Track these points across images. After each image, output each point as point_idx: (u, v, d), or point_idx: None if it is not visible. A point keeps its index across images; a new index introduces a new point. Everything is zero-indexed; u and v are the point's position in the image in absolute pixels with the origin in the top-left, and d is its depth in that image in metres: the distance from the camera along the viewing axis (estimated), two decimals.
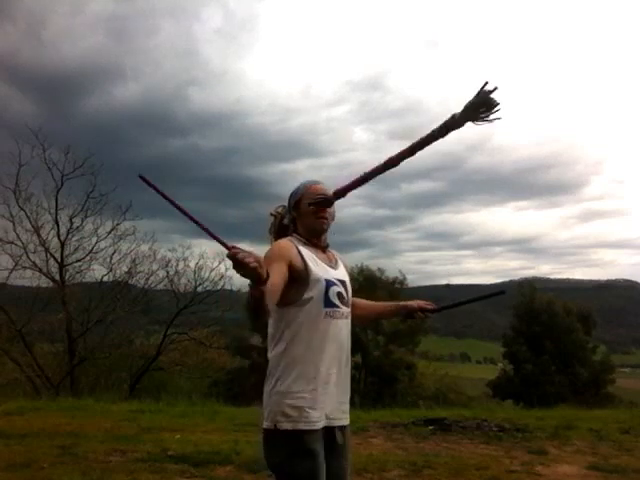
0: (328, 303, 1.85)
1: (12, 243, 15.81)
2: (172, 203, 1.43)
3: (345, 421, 1.91)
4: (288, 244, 1.87)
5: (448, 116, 1.73)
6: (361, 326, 21.82)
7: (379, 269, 28.48)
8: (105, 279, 17.31)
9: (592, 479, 4.32)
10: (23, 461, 4.35)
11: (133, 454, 4.72)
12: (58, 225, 16.57)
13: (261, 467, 4.23)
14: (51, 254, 16.41)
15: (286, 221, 2.04)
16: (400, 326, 26.25)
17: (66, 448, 4.81)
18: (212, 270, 17.74)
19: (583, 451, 5.27)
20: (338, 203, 2.00)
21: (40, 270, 16.17)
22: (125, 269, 17.35)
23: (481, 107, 1.67)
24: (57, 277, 16.48)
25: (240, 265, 1.34)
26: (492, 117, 1.68)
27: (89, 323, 16.20)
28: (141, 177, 1.42)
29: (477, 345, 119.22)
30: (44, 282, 16.49)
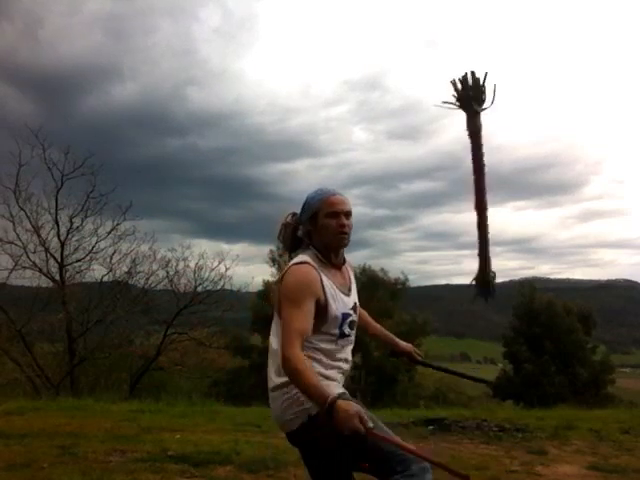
0: (342, 335, 1.92)
1: (12, 243, 15.83)
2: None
3: None
4: (314, 275, 1.84)
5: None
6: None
7: (382, 269, 28.50)
8: (105, 279, 17.34)
9: (592, 479, 4.32)
10: (23, 461, 4.34)
11: (133, 454, 4.71)
12: (58, 225, 16.58)
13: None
14: (51, 254, 16.41)
15: (300, 233, 1.98)
16: (401, 327, 26.26)
17: (66, 448, 4.80)
18: (212, 270, 17.74)
19: (583, 451, 5.26)
20: None
21: (40, 270, 16.19)
22: (125, 269, 17.36)
23: None
24: (57, 277, 16.48)
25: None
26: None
27: (89, 323, 16.18)
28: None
29: (477, 345, 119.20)
30: (44, 282, 16.53)
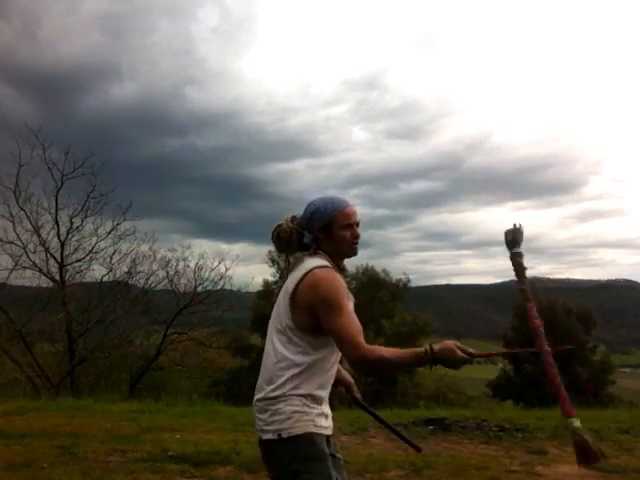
0: None
1: (12, 243, 15.80)
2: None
3: (331, 431, 1.91)
4: (343, 280, 1.85)
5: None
6: None
7: (384, 270, 28.40)
8: (105, 279, 17.31)
9: (592, 479, 4.32)
10: (23, 461, 4.35)
11: (133, 454, 4.72)
12: (58, 225, 16.57)
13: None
14: (51, 254, 16.40)
15: (307, 240, 1.94)
16: (402, 328, 26.28)
17: (66, 448, 4.81)
18: (212, 270, 17.72)
19: None
20: None
21: (40, 270, 16.18)
22: (125, 269, 17.33)
23: None
24: (57, 277, 16.47)
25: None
26: None
27: (89, 323, 16.17)
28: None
29: (477, 345, 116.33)
30: (44, 282, 16.50)
